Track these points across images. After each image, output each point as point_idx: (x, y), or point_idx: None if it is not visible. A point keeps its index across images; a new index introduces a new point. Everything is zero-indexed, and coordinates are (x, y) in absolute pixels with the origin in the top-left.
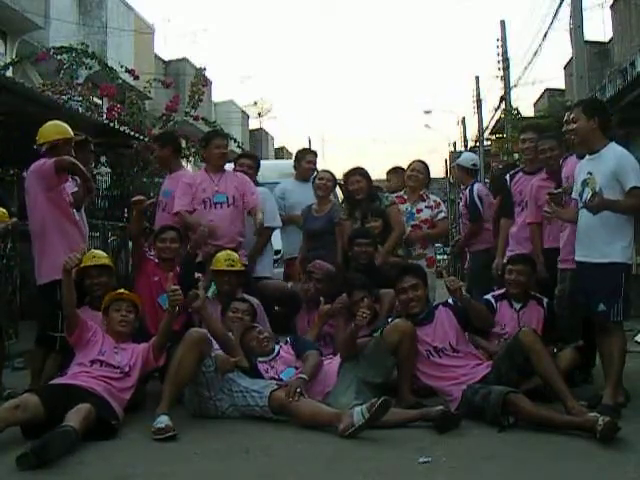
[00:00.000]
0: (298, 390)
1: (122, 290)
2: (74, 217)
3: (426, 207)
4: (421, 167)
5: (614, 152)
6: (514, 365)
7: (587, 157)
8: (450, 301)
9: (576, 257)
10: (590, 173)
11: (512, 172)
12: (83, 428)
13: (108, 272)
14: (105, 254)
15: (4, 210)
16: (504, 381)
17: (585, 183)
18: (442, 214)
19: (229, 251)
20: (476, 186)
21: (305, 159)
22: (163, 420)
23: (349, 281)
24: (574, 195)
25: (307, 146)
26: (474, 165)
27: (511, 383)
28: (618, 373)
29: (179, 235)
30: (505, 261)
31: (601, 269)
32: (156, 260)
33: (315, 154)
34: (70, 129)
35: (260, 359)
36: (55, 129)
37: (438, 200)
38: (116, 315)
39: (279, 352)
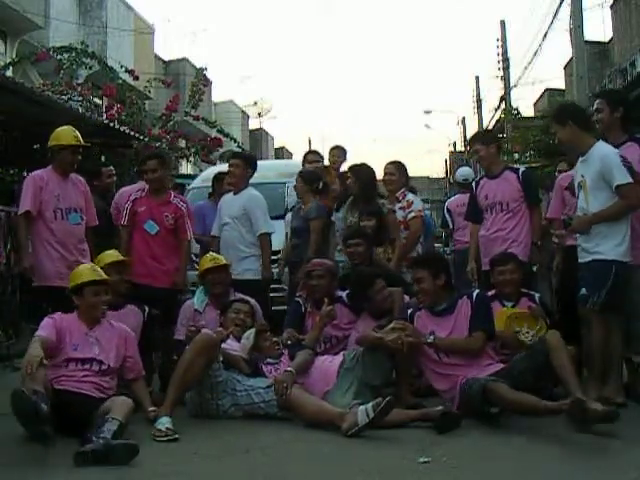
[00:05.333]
0: (285, 385)
1: (103, 276)
2: (61, 224)
3: (399, 208)
4: (392, 168)
5: (598, 152)
6: (532, 365)
7: (580, 159)
8: (475, 294)
9: (579, 258)
10: (582, 176)
11: (477, 178)
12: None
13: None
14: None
15: None
16: (516, 381)
17: (580, 186)
18: (412, 213)
19: (211, 252)
20: (451, 199)
21: (306, 159)
22: (165, 422)
23: (366, 271)
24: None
25: (307, 146)
26: (465, 180)
27: (523, 384)
28: (598, 366)
29: (161, 162)
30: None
31: (592, 265)
32: (142, 195)
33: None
34: (70, 136)
35: (268, 361)
36: (54, 136)
37: (411, 199)
38: (95, 300)
39: (282, 355)
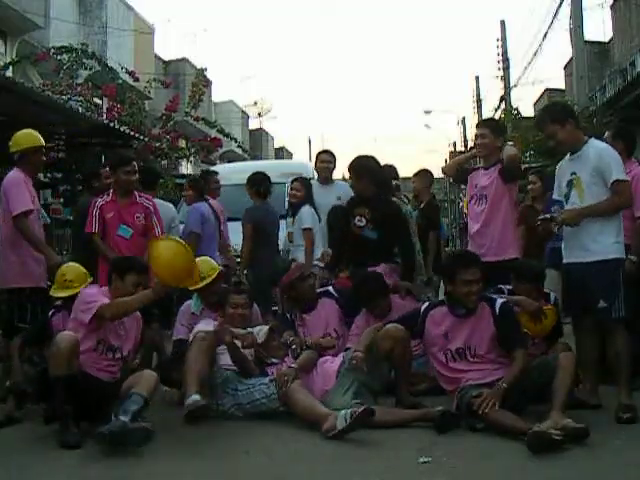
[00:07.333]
0: (286, 378)
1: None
2: (38, 225)
3: None
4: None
5: (595, 148)
6: (539, 380)
7: (568, 157)
8: (499, 305)
9: (567, 259)
10: (574, 173)
11: (473, 167)
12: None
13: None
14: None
15: None
16: (520, 391)
17: (571, 184)
18: None
19: (205, 258)
20: None
21: (319, 158)
22: (194, 397)
23: (365, 287)
24: (558, 197)
25: (307, 146)
26: None
27: (526, 396)
28: (628, 371)
29: (138, 165)
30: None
31: (596, 267)
32: (108, 200)
33: (329, 153)
34: (40, 138)
35: (272, 360)
36: (25, 138)
37: None
38: (133, 291)
39: (286, 356)
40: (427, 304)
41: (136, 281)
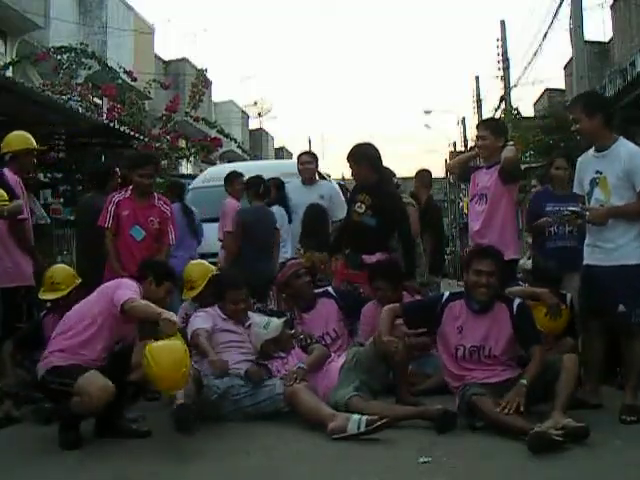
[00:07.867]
0: (295, 376)
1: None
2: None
3: None
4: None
5: (626, 148)
6: (544, 378)
7: (593, 153)
8: (517, 303)
9: (587, 260)
10: (600, 172)
11: (476, 166)
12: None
13: None
14: None
15: (2, 192)
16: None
17: (595, 183)
18: None
19: (198, 262)
20: None
21: (299, 160)
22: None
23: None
24: (578, 191)
25: (307, 146)
26: None
27: (533, 395)
28: (638, 375)
29: (156, 167)
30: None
31: (618, 271)
32: (126, 196)
33: (310, 154)
34: (33, 140)
35: (280, 354)
36: (17, 140)
37: None
38: (165, 296)
39: (293, 349)
40: (448, 294)
41: (170, 288)
